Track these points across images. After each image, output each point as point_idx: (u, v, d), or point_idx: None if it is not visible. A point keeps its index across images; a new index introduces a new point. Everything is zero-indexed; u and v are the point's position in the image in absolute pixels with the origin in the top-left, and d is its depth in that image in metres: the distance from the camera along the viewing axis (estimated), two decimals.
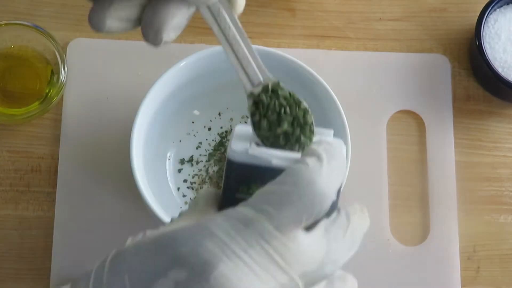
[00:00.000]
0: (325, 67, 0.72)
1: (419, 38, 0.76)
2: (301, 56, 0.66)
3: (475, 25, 0.72)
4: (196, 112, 0.71)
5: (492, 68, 0.70)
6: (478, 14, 0.73)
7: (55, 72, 0.70)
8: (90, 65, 0.72)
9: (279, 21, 0.76)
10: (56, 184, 0.70)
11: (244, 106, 0.53)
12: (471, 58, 0.75)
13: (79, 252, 0.68)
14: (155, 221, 0.61)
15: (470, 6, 0.77)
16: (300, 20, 0.76)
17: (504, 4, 0.73)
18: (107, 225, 0.69)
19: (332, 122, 0.65)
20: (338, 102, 0.64)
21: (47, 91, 0.70)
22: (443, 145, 0.73)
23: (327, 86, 0.65)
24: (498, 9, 0.73)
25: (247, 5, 0.75)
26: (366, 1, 0.77)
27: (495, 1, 0.72)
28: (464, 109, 0.74)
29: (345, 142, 0.63)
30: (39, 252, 0.69)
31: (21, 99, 0.71)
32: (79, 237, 0.68)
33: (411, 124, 0.74)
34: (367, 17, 0.77)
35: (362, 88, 0.74)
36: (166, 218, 0.61)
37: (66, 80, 0.69)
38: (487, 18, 0.72)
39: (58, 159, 0.70)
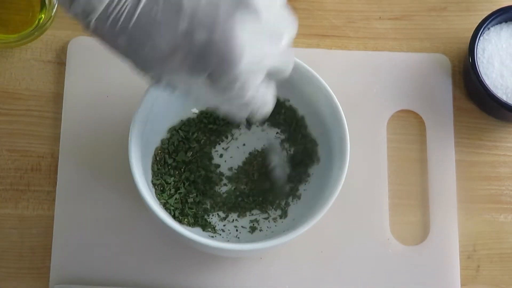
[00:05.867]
0: (325, 66, 0.72)
1: (419, 37, 0.76)
2: (301, 55, 0.66)
3: (468, 58, 0.71)
4: (194, 110, 0.71)
5: (498, 99, 0.70)
6: (478, 13, 0.73)
7: None
8: (91, 63, 0.72)
9: None
10: (56, 183, 0.70)
11: None
12: (471, 90, 0.74)
13: (79, 251, 0.68)
14: (155, 220, 0.62)
15: (470, 5, 0.77)
16: (300, 19, 0.75)
17: (486, 30, 0.73)
18: (107, 224, 0.69)
19: (331, 121, 0.66)
20: (337, 102, 0.64)
21: (39, 17, 0.72)
22: (443, 144, 0.73)
23: (326, 85, 0.65)
24: (482, 37, 0.72)
25: None
26: (365, 0, 0.77)
27: (478, 33, 0.72)
28: (464, 108, 0.74)
29: (344, 142, 0.64)
30: (39, 251, 0.69)
31: (15, 27, 0.72)
32: (79, 236, 0.68)
33: (411, 124, 0.74)
34: (367, 16, 0.77)
35: (362, 87, 0.74)
36: (165, 217, 0.61)
37: (57, 3, 0.71)
38: (478, 48, 0.72)
39: (58, 158, 0.70)
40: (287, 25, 0.54)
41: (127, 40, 0.49)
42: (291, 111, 0.70)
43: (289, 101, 0.69)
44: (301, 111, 0.70)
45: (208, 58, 0.49)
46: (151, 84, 0.54)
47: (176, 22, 0.48)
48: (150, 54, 0.49)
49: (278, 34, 0.52)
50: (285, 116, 0.70)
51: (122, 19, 0.49)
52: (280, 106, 0.70)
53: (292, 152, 0.70)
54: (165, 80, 0.52)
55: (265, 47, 0.51)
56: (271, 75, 0.54)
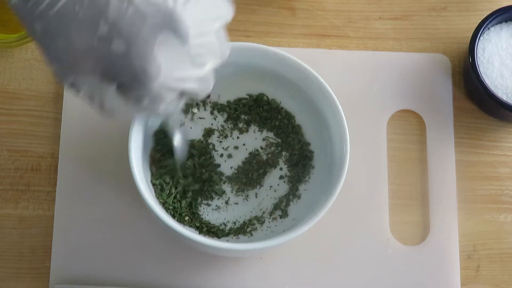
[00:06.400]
0: (325, 66, 0.72)
1: (419, 37, 0.76)
2: (301, 55, 0.66)
3: (468, 58, 0.71)
4: (195, 110, 0.71)
5: (498, 99, 0.70)
6: (478, 13, 0.73)
7: None
8: None
9: (279, 20, 0.76)
10: (56, 183, 0.70)
11: None
12: (471, 90, 0.74)
13: (78, 251, 0.68)
14: (155, 220, 0.62)
15: (470, 5, 0.77)
16: (300, 19, 0.76)
17: (486, 30, 0.73)
18: (107, 224, 0.69)
19: (331, 121, 0.66)
20: (337, 101, 0.64)
21: None
22: (443, 144, 0.73)
23: (326, 85, 0.65)
24: (482, 37, 0.72)
25: (247, 4, 0.75)
26: (365, 0, 0.77)
27: (478, 33, 0.71)
28: (464, 108, 0.74)
29: (344, 141, 0.64)
30: (39, 251, 0.69)
31: (15, 27, 0.72)
32: (79, 236, 0.68)
33: (411, 124, 0.74)
34: (367, 16, 0.77)
35: (362, 87, 0.74)
36: (165, 217, 0.61)
37: None
38: (478, 48, 0.72)
39: (58, 158, 0.70)
40: (214, 52, 0.52)
41: (44, 27, 0.48)
42: (288, 117, 0.70)
43: (285, 109, 0.70)
44: (299, 116, 0.70)
45: (121, 70, 0.48)
46: (56, 80, 0.52)
47: (97, 24, 0.47)
48: (63, 49, 0.48)
49: (202, 61, 0.51)
50: (280, 122, 0.70)
51: (43, 5, 0.47)
52: (277, 111, 0.70)
53: (288, 155, 0.70)
54: (70, 80, 0.50)
55: (184, 71, 0.50)
56: (184, 94, 0.53)
